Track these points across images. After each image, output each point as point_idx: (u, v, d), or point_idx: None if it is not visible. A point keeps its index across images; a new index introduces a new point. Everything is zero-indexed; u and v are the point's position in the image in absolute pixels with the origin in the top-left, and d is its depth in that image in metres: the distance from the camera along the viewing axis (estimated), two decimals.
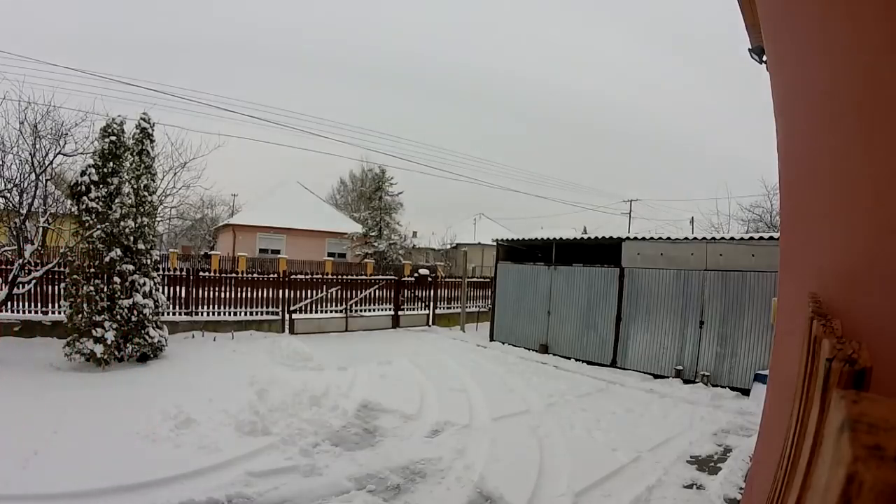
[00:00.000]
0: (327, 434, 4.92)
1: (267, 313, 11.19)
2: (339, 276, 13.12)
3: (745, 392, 7.26)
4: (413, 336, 11.99)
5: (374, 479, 4.05)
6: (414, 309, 13.76)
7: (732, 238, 8.10)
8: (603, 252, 10.03)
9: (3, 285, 7.65)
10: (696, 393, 7.37)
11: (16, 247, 8.46)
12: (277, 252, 24.07)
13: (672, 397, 7.20)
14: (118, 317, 7.15)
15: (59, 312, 8.09)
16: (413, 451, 4.66)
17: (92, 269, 7.19)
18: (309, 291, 11.78)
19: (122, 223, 7.32)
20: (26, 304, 8.51)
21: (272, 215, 25.15)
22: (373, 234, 24.37)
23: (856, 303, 0.98)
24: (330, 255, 25.05)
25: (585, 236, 10.69)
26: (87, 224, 7.12)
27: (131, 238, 7.51)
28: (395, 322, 13.16)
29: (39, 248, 8.10)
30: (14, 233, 8.62)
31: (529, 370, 8.73)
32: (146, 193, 7.80)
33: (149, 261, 7.76)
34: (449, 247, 31.11)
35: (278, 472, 4.02)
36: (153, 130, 8.07)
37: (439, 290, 14.57)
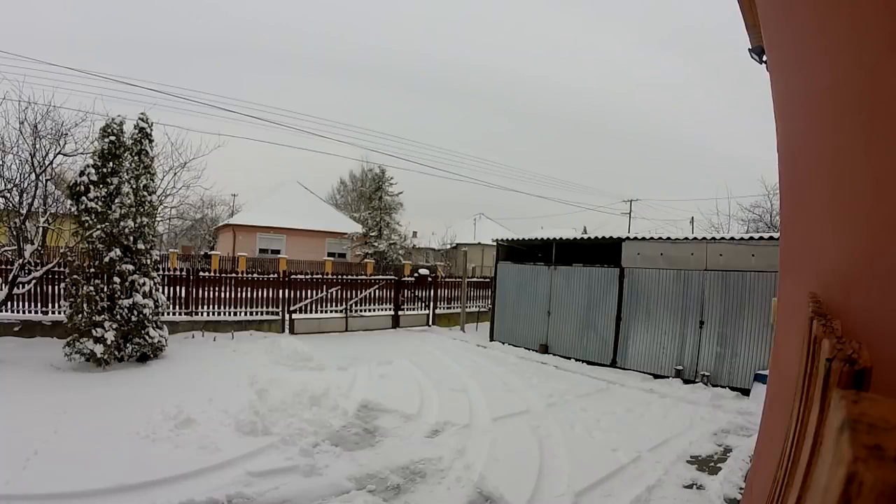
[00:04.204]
0: (327, 434, 4.92)
1: (267, 313, 11.19)
2: (339, 276, 13.11)
3: (745, 392, 7.26)
4: (413, 336, 11.99)
5: (375, 479, 4.05)
6: (414, 309, 13.76)
7: (732, 238, 8.10)
8: (603, 252, 10.03)
9: (3, 285, 7.65)
10: (696, 393, 7.36)
11: (16, 247, 8.45)
12: (277, 252, 24.08)
13: (672, 397, 7.20)
14: (118, 317, 7.16)
15: (59, 312, 8.10)
16: (413, 451, 4.66)
17: (92, 269, 7.19)
18: (309, 291, 11.78)
19: (121, 223, 7.32)
20: (26, 304, 8.51)
21: (272, 215, 25.16)
22: (373, 234, 24.38)
23: (856, 303, 0.98)
24: (330, 255, 25.05)
25: (585, 236, 10.69)
26: (86, 224, 7.12)
27: (131, 238, 7.51)
28: (395, 322, 13.16)
29: (39, 248, 8.10)
30: (14, 233, 8.61)
31: (529, 370, 8.73)
32: (146, 193, 7.80)
33: (149, 261, 7.76)
34: (449, 247, 31.11)
35: (278, 472, 4.02)
36: (152, 130, 8.07)
37: (439, 290, 14.56)
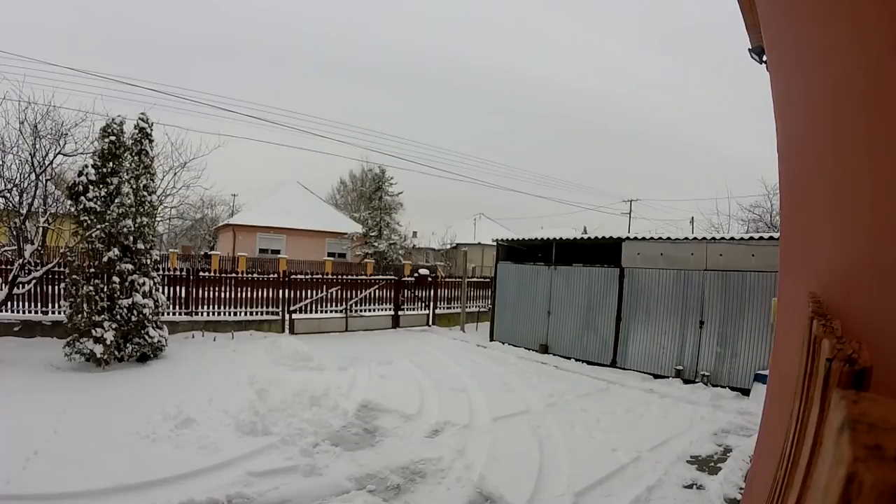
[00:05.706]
0: (327, 434, 4.92)
1: (267, 313, 11.19)
2: (339, 276, 13.12)
3: (745, 392, 7.26)
4: (413, 336, 11.99)
5: (375, 479, 4.05)
6: (414, 309, 13.76)
7: (732, 238, 8.10)
8: (603, 252, 10.03)
9: (4, 285, 7.64)
10: (696, 393, 7.37)
11: (16, 247, 8.46)
12: (277, 252, 24.07)
13: (672, 397, 7.20)
14: (118, 317, 7.15)
15: (59, 312, 8.10)
16: (413, 451, 4.66)
17: (91, 269, 7.19)
18: (309, 291, 11.78)
19: (121, 223, 7.32)
20: (26, 304, 8.51)
21: (272, 215, 25.15)
22: (373, 234, 24.38)
23: (856, 303, 0.98)
24: (330, 255, 25.04)
25: (585, 236, 10.69)
26: (85, 224, 7.12)
27: (131, 238, 7.51)
28: (395, 322, 13.16)
29: (39, 248, 8.10)
30: (14, 233, 8.61)
31: (529, 370, 8.73)
32: (145, 193, 7.80)
33: (148, 260, 7.75)
34: (449, 247, 31.10)
35: (278, 472, 4.02)
36: (152, 130, 8.07)
37: (439, 290, 14.56)
